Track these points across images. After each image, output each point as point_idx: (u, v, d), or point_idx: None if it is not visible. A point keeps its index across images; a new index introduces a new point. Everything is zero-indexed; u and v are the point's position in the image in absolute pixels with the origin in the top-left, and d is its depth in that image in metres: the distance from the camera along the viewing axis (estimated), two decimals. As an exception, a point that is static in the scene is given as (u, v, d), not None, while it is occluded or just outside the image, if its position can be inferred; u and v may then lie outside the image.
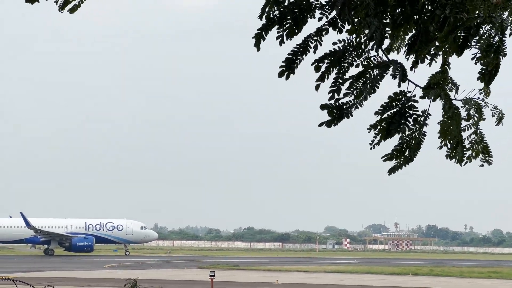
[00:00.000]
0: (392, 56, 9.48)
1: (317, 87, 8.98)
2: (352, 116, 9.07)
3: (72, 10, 10.09)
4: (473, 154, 9.53)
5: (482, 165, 9.62)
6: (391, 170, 9.41)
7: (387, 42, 9.28)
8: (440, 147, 9.43)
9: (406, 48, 9.35)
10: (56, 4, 9.97)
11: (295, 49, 8.97)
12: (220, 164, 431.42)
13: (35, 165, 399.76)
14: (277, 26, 8.98)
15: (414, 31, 9.23)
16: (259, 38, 9.13)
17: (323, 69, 8.93)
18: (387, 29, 9.10)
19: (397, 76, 8.99)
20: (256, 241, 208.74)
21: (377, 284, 55.49)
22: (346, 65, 8.97)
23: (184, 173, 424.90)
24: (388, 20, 9.09)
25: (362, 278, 62.86)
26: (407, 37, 9.41)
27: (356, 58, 9.03)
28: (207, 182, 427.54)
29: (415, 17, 9.16)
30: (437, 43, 9.17)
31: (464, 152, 9.47)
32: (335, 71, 8.95)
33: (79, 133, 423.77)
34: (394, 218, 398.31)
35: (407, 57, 9.37)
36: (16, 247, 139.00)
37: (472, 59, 9.24)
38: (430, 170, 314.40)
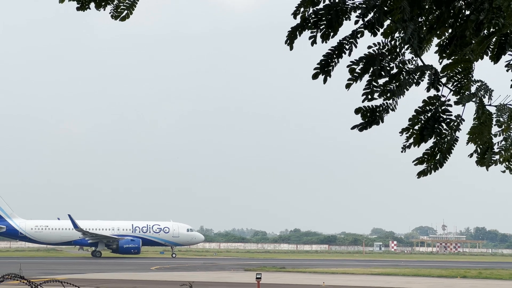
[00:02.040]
0: (436, 56, 9.36)
1: (347, 86, 8.87)
2: (383, 122, 8.96)
3: (123, 19, 10.18)
4: (501, 159, 9.40)
5: (504, 171, 9.50)
6: (421, 174, 9.26)
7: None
8: (471, 155, 9.34)
9: (438, 51, 9.27)
10: (109, 13, 10.06)
11: (330, 51, 8.90)
12: (266, 167, 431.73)
13: (85, 167, 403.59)
14: (311, 27, 8.91)
15: (447, 35, 9.15)
16: (292, 37, 9.06)
17: (357, 71, 8.83)
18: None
19: (430, 81, 8.87)
20: (302, 243, 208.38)
21: (425, 287, 54.94)
22: (380, 68, 8.85)
23: (230, 175, 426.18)
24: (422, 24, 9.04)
25: (409, 281, 62.30)
26: (436, 41, 9.35)
27: (390, 61, 8.92)
28: (254, 185, 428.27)
29: (450, 20, 9.05)
30: (472, 48, 9.03)
31: (492, 157, 9.35)
32: (369, 73, 8.84)
33: (124, 135, 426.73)
34: (441, 220, 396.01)
35: (440, 60, 9.27)
36: (64, 249, 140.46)
37: (506, 66, 9.08)
38: (478, 172, 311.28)
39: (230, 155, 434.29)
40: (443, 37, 9.29)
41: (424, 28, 9.12)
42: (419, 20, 9.03)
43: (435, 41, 9.46)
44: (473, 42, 8.96)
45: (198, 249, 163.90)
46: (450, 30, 9.11)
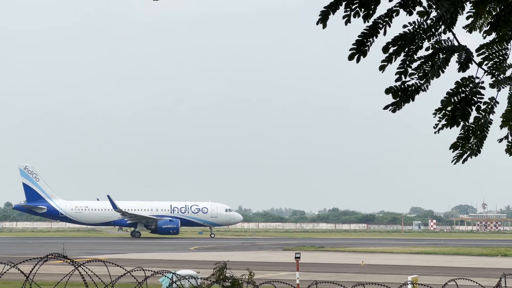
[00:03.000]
0: (474, 35, 9.21)
1: (381, 68, 8.76)
2: (413, 100, 8.85)
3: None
4: None
5: None
6: (458, 158, 9.10)
7: (466, 22, 9.04)
8: (500, 140, 9.17)
9: (488, 26, 9.10)
10: None
11: (366, 31, 8.78)
12: (304, 146, 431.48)
13: (124, 147, 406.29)
14: (344, 5, 8.80)
15: (498, 10, 8.99)
16: (325, 16, 8.95)
17: (391, 51, 8.73)
18: (467, 6, 8.85)
19: (464, 61, 8.73)
20: (340, 222, 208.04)
21: (466, 266, 54.63)
22: (415, 47, 8.73)
23: (269, 156, 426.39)
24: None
25: (449, 259, 62.03)
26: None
27: (425, 40, 8.79)
28: (291, 165, 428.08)
29: None
30: None
31: None
32: (403, 53, 8.73)
33: (166, 116, 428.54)
34: (481, 198, 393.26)
35: (484, 35, 9.12)
36: (104, 229, 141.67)
37: None
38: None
39: (267, 137, 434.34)
40: (488, 16, 9.12)
41: (470, 4, 8.92)
42: None
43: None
44: None
45: (236, 229, 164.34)
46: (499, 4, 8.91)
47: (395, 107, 8.84)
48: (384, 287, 17.67)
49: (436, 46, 8.77)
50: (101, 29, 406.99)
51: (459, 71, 8.74)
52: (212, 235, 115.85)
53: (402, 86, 8.75)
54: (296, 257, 30.17)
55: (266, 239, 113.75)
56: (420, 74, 8.69)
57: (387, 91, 8.78)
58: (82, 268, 15.93)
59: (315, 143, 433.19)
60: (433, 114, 8.83)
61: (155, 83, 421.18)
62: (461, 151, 9.03)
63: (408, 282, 24.62)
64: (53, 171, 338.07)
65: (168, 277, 18.81)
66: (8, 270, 15.78)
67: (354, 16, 8.77)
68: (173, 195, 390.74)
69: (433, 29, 8.75)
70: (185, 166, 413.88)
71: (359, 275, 43.27)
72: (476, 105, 8.77)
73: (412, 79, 8.72)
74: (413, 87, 8.77)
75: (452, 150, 9.04)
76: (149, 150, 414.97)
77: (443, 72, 8.77)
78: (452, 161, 9.15)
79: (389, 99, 8.79)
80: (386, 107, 8.83)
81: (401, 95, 8.77)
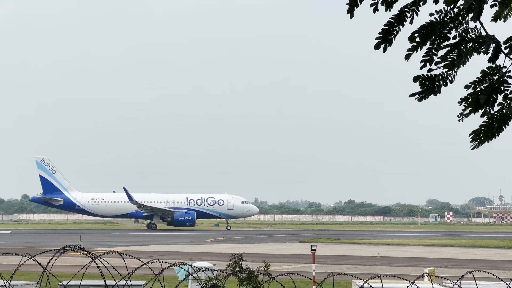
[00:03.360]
0: (499, 24, 9.12)
1: (407, 56, 8.71)
2: (440, 93, 8.79)
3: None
4: None
5: None
6: (476, 143, 9.05)
7: (492, 11, 8.95)
8: None
9: None
10: None
11: (392, 20, 8.72)
12: (320, 138, 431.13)
13: (140, 140, 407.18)
14: None
15: None
16: (352, 4, 8.90)
17: (417, 39, 8.67)
18: None
19: (490, 51, 8.66)
20: (357, 214, 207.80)
21: (482, 258, 54.48)
22: (442, 36, 8.66)
23: (285, 148, 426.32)
24: None
25: (466, 252, 61.86)
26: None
27: (452, 29, 8.72)
28: (307, 156, 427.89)
29: None
30: None
31: None
32: (429, 41, 8.67)
33: (182, 109, 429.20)
34: (498, 190, 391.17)
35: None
36: (120, 221, 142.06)
37: None
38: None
39: (284, 129, 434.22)
40: None
41: None
42: None
43: None
44: None
45: (252, 221, 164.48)
46: None
47: (422, 96, 8.80)
48: (401, 279, 17.62)
49: (463, 34, 8.71)
50: (112, 22, 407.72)
51: (489, 62, 8.67)
52: (228, 227, 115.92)
53: (429, 75, 8.70)
54: (312, 249, 30.10)
55: (282, 231, 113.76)
56: (447, 63, 8.63)
57: (415, 79, 8.75)
58: (99, 260, 15.98)
59: (332, 135, 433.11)
60: (458, 102, 8.79)
61: (171, 75, 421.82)
62: (481, 137, 8.98)
63: (425, 274, 24.56)
64: (70, 163, 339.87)
65: (184, 269, 18.81)
66: (25, 262, 15.84)
67: (382, 4, 8.72)
68: (189, 187, 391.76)
69: (460, 18, 8.69)
70: (201, 158, 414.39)
71: (375, 267, 43.23)
72: (503, 94, 8.72)
73: (439, 67, 8.67)
74: (440, 77, 8.72)
75: (472, 136, 8.99)
76: (165, 142, 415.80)
77: (468, 61, 8.73)
78: (471, 147, 9.07)
79: (414, 88, 8.77)
80: (412, 95, 8.80)
81: (428, 85, 8.73)
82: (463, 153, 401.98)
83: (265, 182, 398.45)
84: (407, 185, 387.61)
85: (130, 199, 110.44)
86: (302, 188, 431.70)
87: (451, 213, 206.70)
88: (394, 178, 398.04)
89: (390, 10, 8.75)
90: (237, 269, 14.56)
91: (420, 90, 8.79)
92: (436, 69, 8.68)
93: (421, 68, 8.69)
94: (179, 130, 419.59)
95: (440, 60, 8.67)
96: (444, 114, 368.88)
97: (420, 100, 8.86)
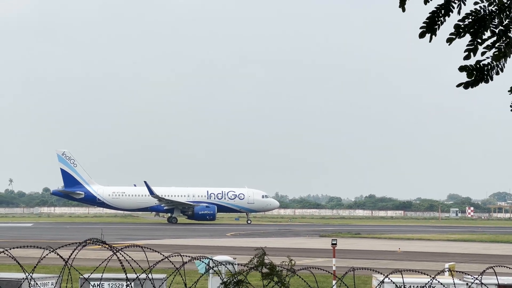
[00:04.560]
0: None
1: (449, 40, 8.60)
2: (492, 80, 8.68)
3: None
4: None
5: None
6: None
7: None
8: None
9: None
10: None
11: (436, 9, 8.63)
12: (340, 133, 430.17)
13: (159, 132, 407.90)
14: None
15: None
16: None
17: (462, 27, 8.56)
18: None
19: None
20: (377, 209, 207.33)
21: (503, 253, 54.23)
22: (487, 25, 8.56)
23: (306, 143, 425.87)
24: None
25: (487, 247, 61.61)
26: None
27: (498, 18, 8.59)
28: (327, 151, 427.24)
29: None
30: None
31: None
32: (474, 29, 8.55)
33: (204, 103, 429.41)
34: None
35: None
36: (141, 215, 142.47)
37: None
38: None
39: (305, 124, 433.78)
40: None
41: None
42: None
43: None
44: None
45: (273, 215, 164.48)
46: None
47: (470, 85, 8.71)
48: (421, 274, 17.58)
49: (508, 23, 8.59)
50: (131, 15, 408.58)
51: None
52: (249, 221, 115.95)
53: (478, 66, 8.61)
54: (332, 244, 30.05)
55: (303, 226, 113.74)
56: (495, 52, 8.52)
57: (461, 69, 8.65)
58: (120, 253, 16.04)
59: (353, 130, 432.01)
60: (508, 91, 8.72)
61: (192, 70, 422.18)
62: None
63: (446, 270, 24.46)
64: (90, 156, 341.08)
65: (205, 263, 18.84)
66: (47, 255, 15.91)
67: None
68: (209, 181, 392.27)
69: (506, 7, 8.59)
70: (222, 152, 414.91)
71: (395, 262, 43.15)
72: None
73: (488, 57, 8.57)
74: (489, 67, 8.62)
75: None
76: (186, 136, 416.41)
77: None
78: None
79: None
80: (459, 85, 8.71)
81: (476, 75, 8.64)
82: (484, 148, 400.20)
83: (286, 177, 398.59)
84: (428, 180, 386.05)
85: (151, 192, 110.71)
86: (323, 183, 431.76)
87: (472, 208, 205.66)
88: (415, 173, 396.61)
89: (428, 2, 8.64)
90: (261, 264, 14.58)
91: (468, 79, 8.69)
92: (484, 59, 8.59)
93: (465, 58, 8.58)
94: (201, 124, 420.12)
95: (485, 50, 8.57)
96: (466, 109, 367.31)
97: (466, 88, 8.77)
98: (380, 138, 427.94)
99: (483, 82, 8.68)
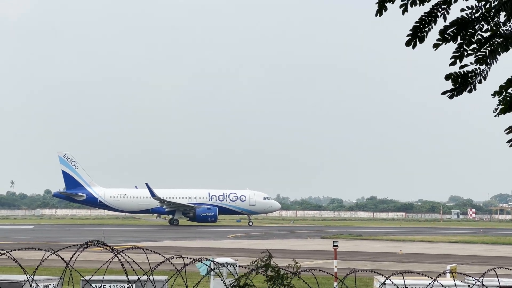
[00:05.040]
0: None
1: (435, 45, 8.65)
2: (475, 89, 8.75)
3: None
4: None
5: None
6: None
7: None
8: None
9: None
10: None
11: (423, 17, 8.67)
12: (342, 135, 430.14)
13: (158, 134, 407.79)
14: None
15: None
16: (382, 4, 8.86)
17: (448, 33, 8.62)
18: None
19: None
20: (379, 210, 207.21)
21: (505, 255, 54.21)
22: (472, 31, 8.61)
23: (307, 145, 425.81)
24: None
25: (488, 249, 61.58)
26: None
27: (483, 24, 8.65)
28: (328, 153, 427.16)
29: None
30: None
31: None
32: (459, 37, 8.62)
33: (205, 106, 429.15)
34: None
35: None
36: (142, 217, 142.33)
37: None
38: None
39: (306, 127, 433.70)
40: None
41: None
42: None
43: None
44: None
45: (274, 217, 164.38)
46: None
47: (453, 93, 8.75)
48: (423, 276, 17.59)
49: (495, 28, 8.63)
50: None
51: None
52: (250, 223, 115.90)
53: (462, 72, 8.65)
54: (334, 245, 30.10)
55: (304, 227, 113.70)
56: (478, 57, 8.56)
57: (447, 77, 8.71)
58: (121, 255, 16.05)
59: (354, 132, 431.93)
60: (492, 95, 8.75)
61: (193, 72, 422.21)
62: None
63: (447, 271, 24.48)
64: (92, 158, 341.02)
65: (206, 265, 18.86)
66: (48, 256, 15.93)
67: (412, 5, 8.69)
68: (211, 183, 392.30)
69: (491, 14, 8.61)
70: (224, 154, 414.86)
71: (397, 264, 43.15)
72: None
73: (471, 63, 8.61)
74: (473, 73, 8.67)
75: (506, 132, 8.96)
76: (187, 139, 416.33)
77: (500, 55, 8.66)
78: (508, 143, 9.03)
79: (442, 83, 8.72)
80: (444, 93, 8.76)
81: (461, 82, 8.69)
82: (486, 150, 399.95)
83: (287, 178, 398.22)
84: (430, 182, 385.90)
85: (153, 194, 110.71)
86: (324, 184, 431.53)
87: (473, 210, 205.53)
88: (416, 175, 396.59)
89: (423, 5, 8.67)
90: (267, 268, 14.59)
91: (452, 87, 8.75)
92: (468, 65, 8.64)
93: (450, 65, 8.65)
94: (202, 126, 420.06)
95: (471, 53, 8.62)
96: (468, 112, 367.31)
97: (451, 97, 8.84)
98: (382, 140, 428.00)
99: (466, 91, 8.73)
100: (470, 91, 8.77)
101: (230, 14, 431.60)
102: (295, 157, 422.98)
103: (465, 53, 8.63)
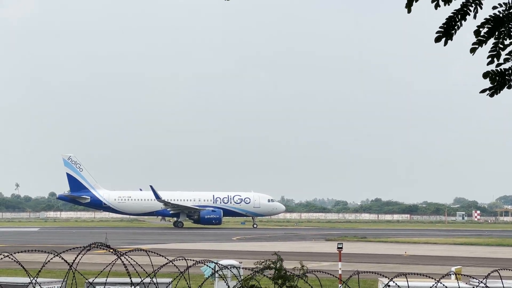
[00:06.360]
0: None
1: (472, 50, 8.57)
2: None
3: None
4: None
5: None
6: None
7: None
8: None
9: None
10: None
11: (453, 14, 8.60)
12: (346, 137, 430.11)
13: (163, 139, 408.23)
14: None
15: None
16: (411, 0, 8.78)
17: (482, 33, 8.54)
18: None
19: None
20: (383, 212, 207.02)
21: (510, 257, 54.09)
22: (507, 30, 8.52)
23: (312, 147, 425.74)
24: None
25: (493, 251, 61.47)
26: None
27: None
28: (333, 155, 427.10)
29: None
30: None
31: None
32: (494, 35, 8.53)
33: (208, 108, 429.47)
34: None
35: None
36: (147, 219, 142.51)
37: None
38: None
39: (311, 129, 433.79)
40: None
41: None
42: None
43: None
44: None
45: (279, 219, 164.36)
46: None
47: (493, 91, 8.67)
48: (427, 277, 17.53)
49: None
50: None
51: None
52: (255, 225, 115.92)
53: (499, 70, 8.57)
54: (338, 248, 30.05)
55: (309, 230, 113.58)
56: None
57: (485, 75, 8.61)
58: (125, 258, 16.03)
59: (359, 134, 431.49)
60: None
61: (195, 74, 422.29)
62: None
63: (452, 273, 24.40)
64: (96, 161, 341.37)
65: (210, 267, 18.83)
66: (52, 259, 15.92)
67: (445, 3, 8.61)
68: (215, 185, 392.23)
69: None
70: (228, 156, 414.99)
71: (401, 266, 43.06)
72: None
73: (509, 60, 8.53)
74: (510, 71, 8.60)
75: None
76: (191, 141, 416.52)
77: None
78: None
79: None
80: (483, 91, 8.68)
81: (498, 80, 8.61)
82: (490, 152, 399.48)
83: (292, 181, 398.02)
84: (434, 184, 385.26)
85: (157, 197, 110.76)
86: (329, 187, 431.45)
87: (478, 212, 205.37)
88: (421, 177, 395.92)
89: (449, 5, 8.60)
90: (277, 271, 14.57)
91: (491, 85, 8.67)
92: (504, 63, 8.56)
93: (488, 64, 8.56)
94: (206, 128, 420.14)
95: (508, 56, 8.53)
96: (473, 114, 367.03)
97: (491, 95, 8.75)
98: (386, 141, 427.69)
99: (505, 88, 8.64)
100: (509, 88, 8.68)
101: (230, 14, 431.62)
102: (300, 160, 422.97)
103: (502, 52, 8.54)
